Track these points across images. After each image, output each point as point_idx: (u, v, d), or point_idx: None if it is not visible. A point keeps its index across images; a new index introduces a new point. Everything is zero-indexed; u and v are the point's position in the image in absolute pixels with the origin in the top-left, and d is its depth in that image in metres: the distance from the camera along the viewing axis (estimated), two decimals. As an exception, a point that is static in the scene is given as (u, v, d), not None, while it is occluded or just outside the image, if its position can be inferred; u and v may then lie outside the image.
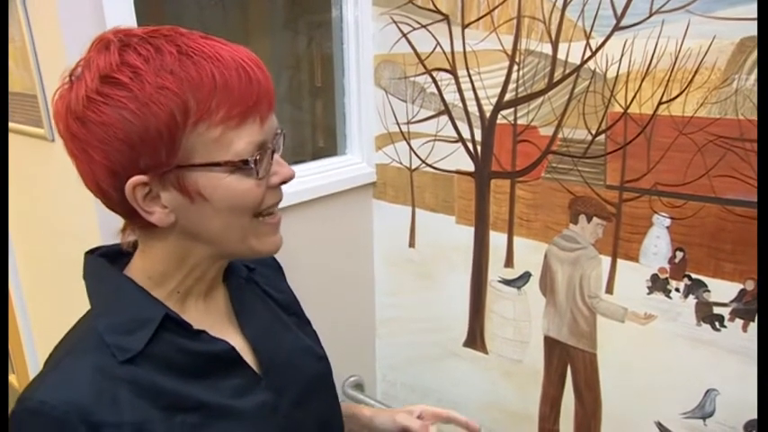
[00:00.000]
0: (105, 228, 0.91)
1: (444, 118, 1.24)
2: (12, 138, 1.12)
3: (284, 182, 0.55)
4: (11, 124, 1.10)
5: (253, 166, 0.49)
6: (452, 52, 1.19)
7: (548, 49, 1.05)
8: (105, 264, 0.55)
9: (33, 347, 1.42)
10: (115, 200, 0.49)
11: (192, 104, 0.46)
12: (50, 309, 1.23)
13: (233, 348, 0.56)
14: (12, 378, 1.65)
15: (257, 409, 0.57)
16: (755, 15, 0.82)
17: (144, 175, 0.47)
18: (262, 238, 0.55)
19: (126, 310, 0.52)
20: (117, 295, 0.53)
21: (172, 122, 0.45)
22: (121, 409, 0.48)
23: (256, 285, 0.67)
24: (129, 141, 0.46)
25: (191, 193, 0.49)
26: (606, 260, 1.06)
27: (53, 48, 0.89)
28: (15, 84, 1.04)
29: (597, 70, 1.00)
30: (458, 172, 1.25)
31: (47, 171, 1.07)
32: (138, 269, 0.55)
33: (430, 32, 1.21)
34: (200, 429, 0.52)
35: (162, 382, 0.51)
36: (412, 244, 1.39)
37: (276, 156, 0.53)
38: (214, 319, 0.59)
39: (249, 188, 0.50)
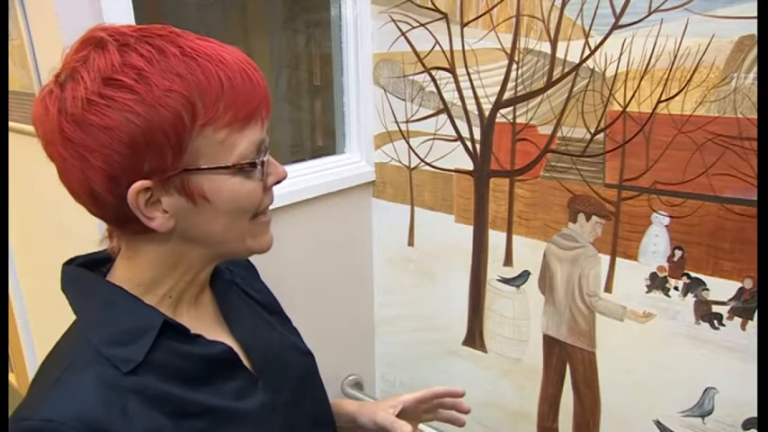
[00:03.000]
0: (103, 227, 0.91)
1: (443, 117, 1.24)
2: (10, 136, 1.11)
3: (279, 182, 0.55)
4: (10, 123, 1.10)
5: (260, 167, 0.50)
6: (451, 51, 1.18)
7: (546, 47, 1.05)
8: (89, 274, 0.53)
9: (32, 346, 1.42)
10: (110, 206, 0.48)
11: (199, 107, 0.45)
12: (49, 308, 1.23)
13: (231, 349, 0.56)
14: (11, 377, 1.65)
15: (259, 410, 0.56)
16: (755, 14, 0.82)
17: (147, 179, 0.46)
18: (257, 237, 0.55)
19: (121, 321, 0.50)
20: (108, 305, 0.51)
21: (179, 125, 0.45)
22: (132, 421, 0.46)
23: (237, 287, 0.66)
24: (133, 145, 0.44)
25: (195, 196, 0.48)
26: (605, 259, 1.06)
27: (51, 46, 0.89)
28: (14, 82, 1.04)
29: (596, 69, 1.00)
30: (457, 171, 1.25)
31: (46, 170, 1.07)
32: (124, 277, 0.53)
33: (429, 31, 1.21)
34: None
35: (167, 389, 0.50)
36: (411, 243, 1.39)
37: (269, 157, 0.53)
38: (206, 324, 0.59)
39: (251, 190, 0.51)
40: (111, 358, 0.48)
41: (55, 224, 1.11)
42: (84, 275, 0.53)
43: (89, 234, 0.95)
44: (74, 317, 0.55)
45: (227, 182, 0.49)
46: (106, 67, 0.44)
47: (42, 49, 0.93)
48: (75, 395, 0.46)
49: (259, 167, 0.50)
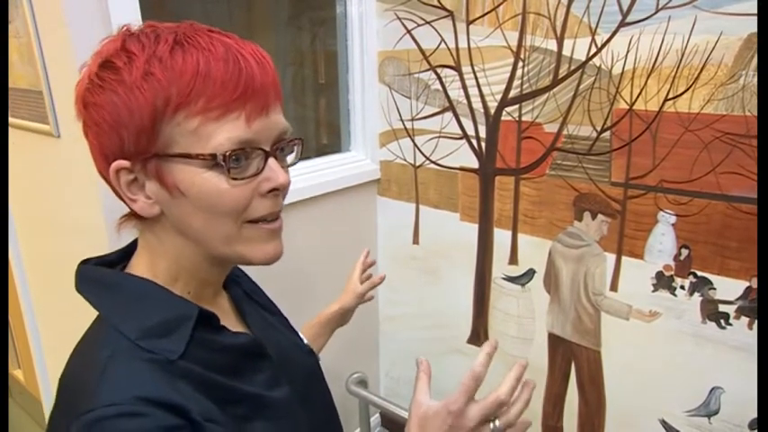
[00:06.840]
0: (111, 223, 0.92)
1: (449, 114, 1.24)
2: (18, 134, 1.12)
3: (275, 189, 0.50)
4: (17, 120, 1.11)
5: (223, 163, 0.46)
6: (457, 49, 1.18)
7: (553, 45, 1.04)
8: (111, 270, 0.53)
9: (40, 343, 1.43)
10: (111, 185, 0.49)
11: (173, 92, 0.45)
12: (56, 304, 1.24)
13: (255, 338, 0.57)
14: (18, 373, 1.66)
15: (287, 400, 0.57)
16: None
17: (128, 160, 0.47)
18: (253, 245, 0.51)
19: (154, 313, 0.50)
20: (138, 299, 0.51)
21: (153, 109, 0.45)
22: (189, 400, 0.46)
23: (241, 290, 0.67)
24: (115, 125, 0.46)
25: (168, 185, 0.47)
26: (611, 257, 1.06)
27: (59, 44, 0.89)
28: (21, 80, 1.04)
29: (602, 67, 0.99)
30: (462, 169, 1.25)
31: (53, 167, 1.07)
32: (143, 268, 0.53)
33: (434, 29, 1.20)
34: (249, 421, 0.52)
35: (207, 376, 0.49)
36: (416, 241, 1.38)
37: (272, 161, 0.50)
38: (226, 321, 0.58)
39: (224, 189, 0.47)
40: (151, 350, 0.47)
41: (61, 220, 1.11)
42: (106, 272, 0.53)
43: (95, 229, 0.96)
44: (84, 316, 0.54)
45: (199, 175, 0.47)
46: (107, 51, 0.47)
47: (50, 47, 0.93)
48: (130, 377, 0.45)
49: (223, 164, 0.46)
